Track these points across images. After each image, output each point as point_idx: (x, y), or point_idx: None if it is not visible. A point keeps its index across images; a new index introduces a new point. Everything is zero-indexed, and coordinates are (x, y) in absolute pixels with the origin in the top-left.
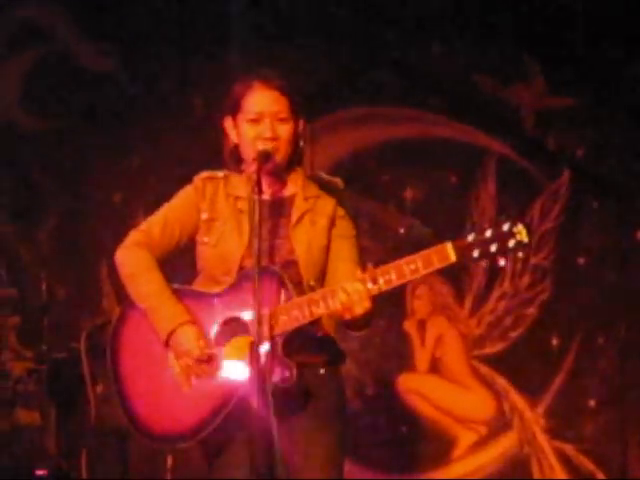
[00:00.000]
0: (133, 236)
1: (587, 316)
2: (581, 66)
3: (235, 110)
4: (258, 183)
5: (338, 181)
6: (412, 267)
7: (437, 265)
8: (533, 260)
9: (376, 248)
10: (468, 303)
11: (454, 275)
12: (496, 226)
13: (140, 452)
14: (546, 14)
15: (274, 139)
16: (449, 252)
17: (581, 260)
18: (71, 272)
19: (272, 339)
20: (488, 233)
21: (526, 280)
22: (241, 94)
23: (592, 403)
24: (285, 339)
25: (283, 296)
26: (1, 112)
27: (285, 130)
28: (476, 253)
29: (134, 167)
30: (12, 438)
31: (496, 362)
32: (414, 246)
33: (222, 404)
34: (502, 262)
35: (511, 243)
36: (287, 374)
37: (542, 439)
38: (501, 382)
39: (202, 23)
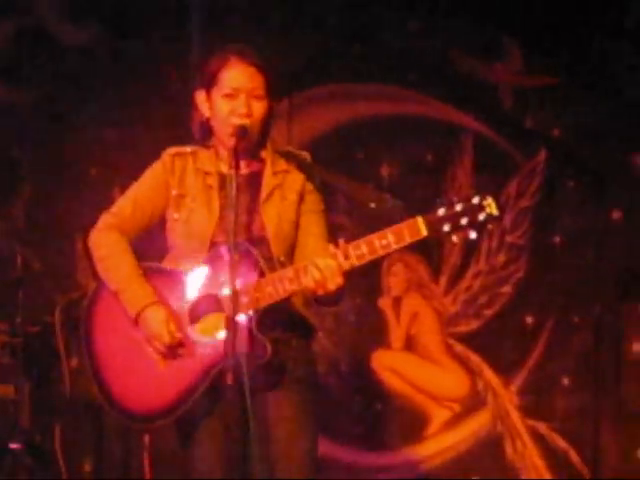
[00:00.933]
0: (104, 219)
1: (562, 295)
2: (559, 45)
3: (210, 84)
4: (235, 157)
5: (306, 155)
6: (384, 242)
7: (408, 239)
8: (509, 238)
9: (353, 225)
10: (443, 281)
11: (429, 252)
12: (466, 200)
13: (115, 426)
14: None
15: (249, 115)
16: (420, 226)
17: (557, 239)
18: (46, 246)
19: (246, 314)
20: (458, 207)
21: (501, 258)
22: (217, 68)
23: (566, 381)
24: (258, 316)
25: (255, 273)
26: None
27: (259, 107)
28: (447, 227)
29: (110, 141)
30: None
31: (470, 340)
32: (389, 222)
33: (198, 381)
34: (473, 235)
35: (481, 216)
36: (261, 351)
37: (515, 417)
38: (475, 360)
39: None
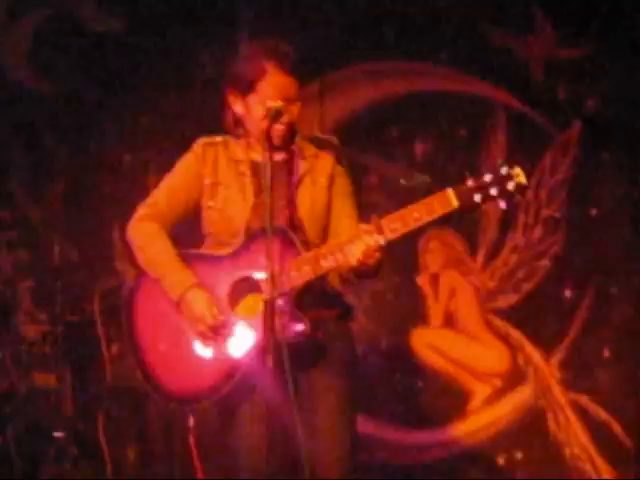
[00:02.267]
0: (141, 210)
1: (600, 267)
2: (591, 16)
3: (247, 90)
4: (269, 139)
5: (334, 139)
6: (415, 215)
7: (439, 211)
8: (545, 212)
9: (386, 202)
10: (480, 256)
11: (466, 229)
12: (494, 170)
13: (158, 412)
14: None
15: (289, 122)
16: (450, 197)
17: (593, 211)
18: (83, 234)
19: (284, 295)
20: (487, 177)
21: (538, 232)
22: (255, 77)
23: (607, 354)
24: (296, 294)
25: (293, 253)
26: (10, 74)
27: (294, 110)
28: (477, 197)
29: (143, 127)
30: (28, 401)
31: (510, 315)
32: (422, 197)
33: (238, 363)
34: (502, 204)
35: (510, 185)
36: (301, 328)
37: (557, 391)
38: (515, 335)
39: None
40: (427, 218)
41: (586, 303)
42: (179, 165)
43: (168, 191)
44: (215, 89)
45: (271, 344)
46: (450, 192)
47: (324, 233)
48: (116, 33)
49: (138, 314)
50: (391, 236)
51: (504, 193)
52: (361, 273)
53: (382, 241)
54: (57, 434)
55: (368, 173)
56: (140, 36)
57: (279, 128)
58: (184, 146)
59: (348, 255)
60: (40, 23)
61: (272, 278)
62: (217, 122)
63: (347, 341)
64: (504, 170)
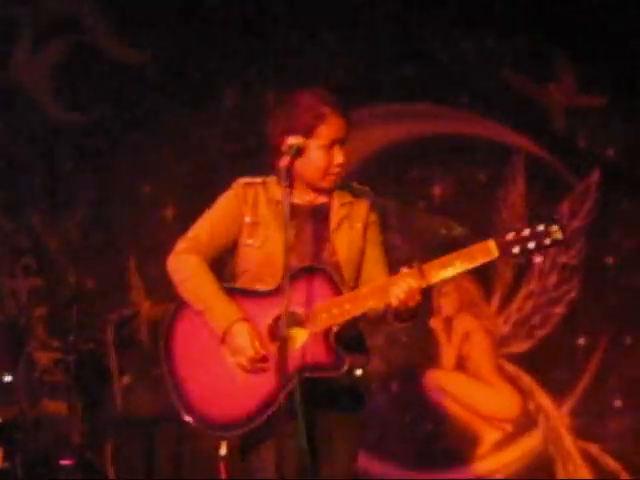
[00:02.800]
0: (181, 243)
1: (614, 316)
2: (612, 64)
3: (307, 136)
4: (289, 175)
5: (367, 189)
6: (457, 263)
7: (480, 260)
8: (561, 259)
9: (404, 244)
10: (495, 301)
11: (481, 273)
12: (532, 226)
13: (167, 444)
14: (578, 11)
15: (342, 165)
16: (492, 248)
17: (609, 260)
18: (100, 263)
19: (325, 330)
20: (526, 232)
21: (554, 279)
22: (315, 123)
23: (618, 403)
24: (337, 331)
25: (333, 292)
26: (33, 103)
27: (345, 151)
28: (516, 249)
29: (164, 158)
30: (39, 427)
31: (522, 361)
32: (445, 245)
33: (276, 393)
34: (538, 259)
35: (547, 241)
36: (338, 363)
37: (567, 438)
38: (527, 381)
39: (234, 18)
40: (468, 266)
41: (599, 352)
42: (220, 202)
43: (209, 226)
44: (237, 122)
45: (285, 381)
46: (492, 243)
47: (357, 275)
48: (137, 64)
49: (177, 344)
50: (433, 280)
51: (541, 248)
52: (401, 315)
53: (423, 285)
54: (65, 461)
55: (386, 214)
56: (161, 67)
57: (335, 171)
58: (203, 179)
59: (391, 296)
60: (63, 52)
61: (286, 316)
62: (238, 155)
63: (362, 391)
64: (541, 227)
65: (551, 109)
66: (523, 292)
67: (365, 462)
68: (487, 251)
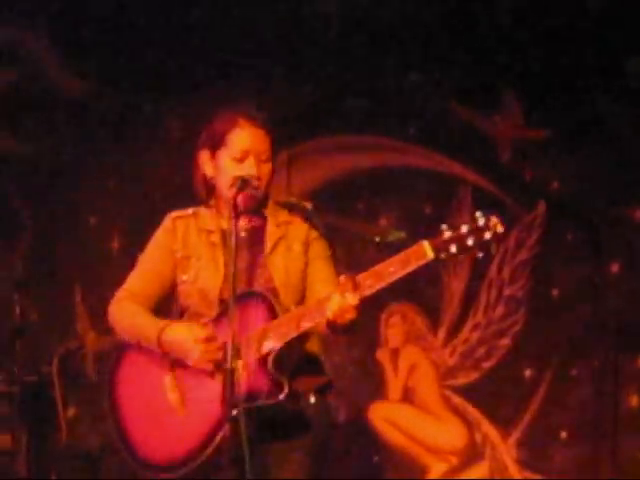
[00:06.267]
0: (119, 294)
1: (560, 348)
2: (558, 97)
3: (217, 145)
4: (235, 208)
5: (307, 204)
6: (391, 269)
7: (414, 264)
8: (507, 291)
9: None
10: (442, 333)
11: (428, 305)
12: (471, 222)
13: (111, 477)
14: (524, 46)
15: (259, 179)
16: (426, 249)
17: (555, 291)
18: (44, 295)
19: (261, 357)
20: (464, 228)
21: (500, 311)
22: (225, 130)
23: (564, 435)
24: (275, 356)
25: (271, 317)
26: None
27: (266, 169)
28: (454, 248)
29: (110, 190)
30: None
31: (469, 392)
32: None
33: (217, 427)
34: (480, 254)
35: (487, 235)
36: (277, 389)
37: (513, 470)
38: (473, 412)
39: (181, 49)
40: (402, 272)
41: (545, 383)
42: (151, 244)
43: (141, 274)
44: (182, 154)
45: (229, 414)
46: (425, 244)
47: (301, 299)
48: (83, 95)
49: (120, 382)
50: (367, 292)
51: (482, 243)
52: (338, 328)
53: (358, 297)
54: None
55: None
56: (107, 98)
57: (247, 195)
58: (148, 211)
59: (326, 311)
60: (9, 82)
61: (232, 348)
62: (184, 187)
63: (325, 419)
64: (481, 221)
65: (497, 141)
66: (469, 324)
67: None
68: (421, 253)
